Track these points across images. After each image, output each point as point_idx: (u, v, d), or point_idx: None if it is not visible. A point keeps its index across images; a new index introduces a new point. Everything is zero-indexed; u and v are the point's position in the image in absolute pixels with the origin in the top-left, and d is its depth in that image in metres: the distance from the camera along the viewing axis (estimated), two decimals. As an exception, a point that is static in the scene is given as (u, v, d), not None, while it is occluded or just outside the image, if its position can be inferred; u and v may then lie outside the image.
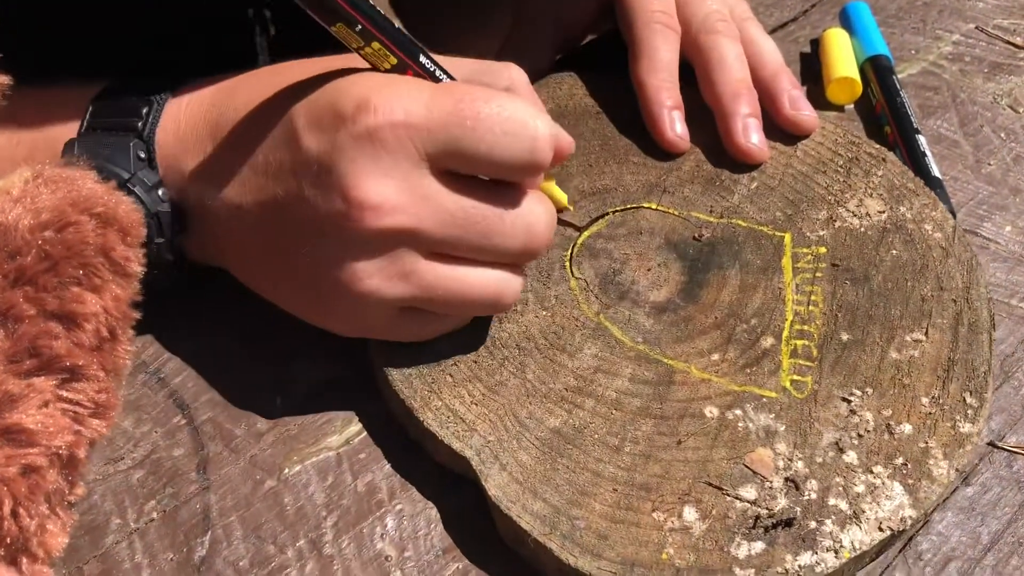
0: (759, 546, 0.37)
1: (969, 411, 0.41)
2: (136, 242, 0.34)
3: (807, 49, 0.63)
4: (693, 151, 0.51)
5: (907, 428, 0.41)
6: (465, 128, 0.37)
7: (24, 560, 0.30)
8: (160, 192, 0.41)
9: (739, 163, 0.51)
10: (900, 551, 0.40)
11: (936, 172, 0.53)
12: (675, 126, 0.51)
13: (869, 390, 0.42)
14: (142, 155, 0.41)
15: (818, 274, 0.46)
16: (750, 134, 0.51)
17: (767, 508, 0.38)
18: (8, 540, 0.29)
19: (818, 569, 0.36)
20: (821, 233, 0.48)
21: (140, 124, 0.41)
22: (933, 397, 0.41)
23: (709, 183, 0.50)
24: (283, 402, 0.44)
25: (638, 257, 0.47)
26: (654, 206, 0.49)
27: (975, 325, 0.44)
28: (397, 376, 0.42)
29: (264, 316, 0.44)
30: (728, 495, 0.38)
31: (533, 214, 0.40)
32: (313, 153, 0.38)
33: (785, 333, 0.44)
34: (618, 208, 0.49)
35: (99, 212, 0.33)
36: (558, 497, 0.38)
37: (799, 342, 0.44)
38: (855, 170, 0.50)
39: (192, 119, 0.41)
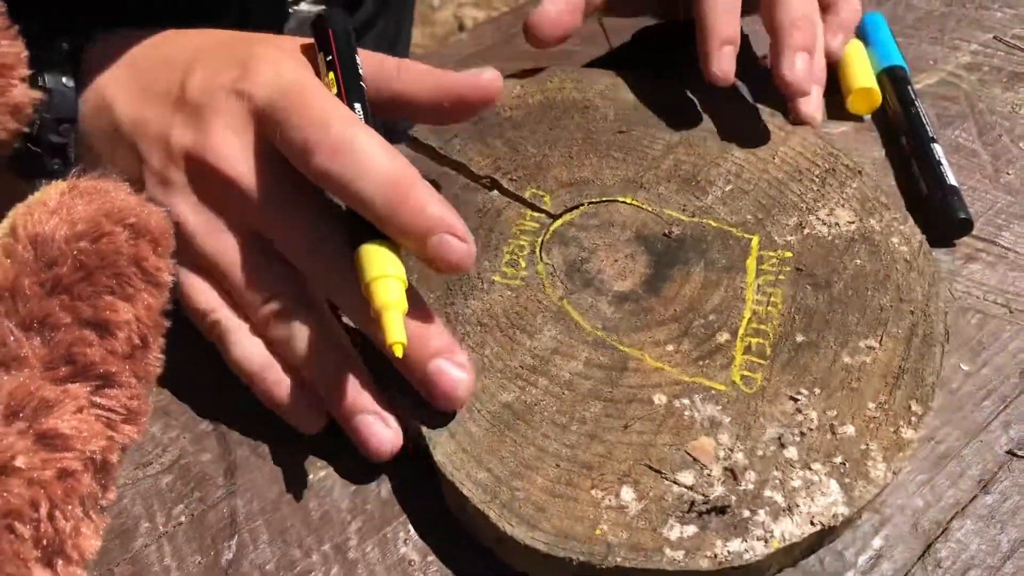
0: (691, 529, 0.38)
1: (913, 418, 0.42)
2: (166, 252, 0.35)
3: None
4: (672, 151, 0.52)
5: (850, 429, 0.41)
6: (292, 112, 0.39)
7: (60, 562, 0.31)
8: (65, 79, 0.42)
9: (716, 165, 0.51)
10: (919, 558, 0.40)
11: (952, 180, 0.52)
12: (722, 59, 0.50)
13: (817, 390, 0.42)
14: (65, 46, 0.43)
15: (781, 277, 0.47)
16: (795, 63, 0.50)
17: (703, 494, 0.39)
18: (45, 542, 0.30)
19: (746, 556, 0.37)
20: (789, 239, 0.48)
21: (68, 42, 0.44)
22: (880, 403, 0.42)
23: (685, 183, 0.51)
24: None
25: (607, 248, 0.48)
26: (629, 200, 0.50)
27: (929, 337, 0.44)
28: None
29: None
30: (667, 479, 0.39)
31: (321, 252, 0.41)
32: (194, 93, 0.41)
33: (741, 330, 0.44)
34: (593, 200, 0.50)
35: (132, 223, 0.34)
36: (502, 468, 0.39)
37: (754, 340, 0.44)
38: (830, 180, 0.51)
39: (121, 44, 0.44)
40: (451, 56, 0.66)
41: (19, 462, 0.29)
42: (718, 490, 0.39)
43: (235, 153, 0.40)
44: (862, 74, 0.58)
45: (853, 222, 0.49)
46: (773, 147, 0.52)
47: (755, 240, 0.48)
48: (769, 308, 0.45)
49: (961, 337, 0.47)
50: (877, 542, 0.40)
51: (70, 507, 0.31)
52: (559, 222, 0.48)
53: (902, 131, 0.55)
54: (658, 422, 0.41)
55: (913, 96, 0.56)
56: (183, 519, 0.40)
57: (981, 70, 0.62)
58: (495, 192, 0.50)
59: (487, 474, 0.39)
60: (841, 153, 0.52)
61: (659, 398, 0.42)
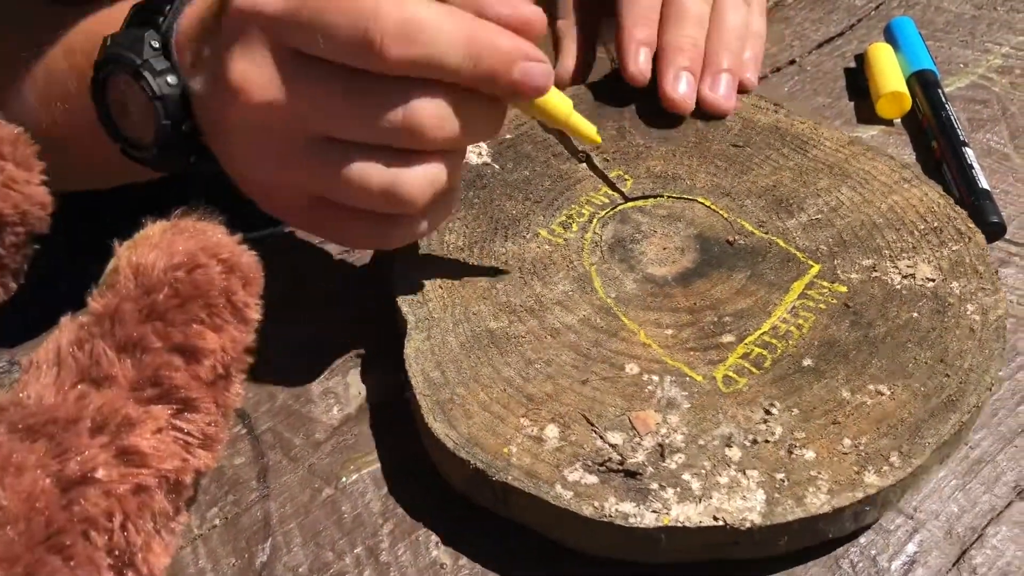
0: (592, 479, 0.38)
1: (885, 467, 0.38)
2: (255, 292, 0.38)
3: (852, 64, 0.64)
4: (778, 173, 0.52)
5: (809, 454, 0.39)
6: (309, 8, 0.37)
7: (130, 573, 0.33)
8: (169, 78, 0.42)
9: (816, 196, 0.50)
10: (954, 564, 0.39)
11: (984, 184, 0.52)
12: (638, 58, 0.53)
13: (796, 411, 0.41)
14: (155, 44, 0.43)
15: (822, 306, 0.45)
16: (679, 84, 0.53)
17: (621, 455, 0.39)
18: (117, 552, 0.32)
19: (631, 520, 0.37)
20: (852, 276, 0.46)
21: (161, 19, 0.43)
22: (857, 442, 0.39)
23: (775, 202, 0.50)
24: (340, 412, 0.45)
25: (662, 236, 0.49)
26: (708, 203, 0.50)
27: (953, 403, 0.40)
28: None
29: (321, 328, 0.48)
30: (596, 432, 0.40)
31: (413, 106, 0.38)
32: (222, 36, 0.40)
33: (750, 338, 0.44)
34: (673, 195, 0.51)
35: (225, 258, 0.37)
36: (455, 375, 0.42)
37: (758, 350, 0.43)
38: (931, 237, 0.48)
39: (203, 8, 0.43)
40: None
41: (99, 474, 0.31)
42: (639, 458, 0.39)
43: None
44: (891, 78, 0.58)
45: (933, 279, 0.45)
46: (886, 194, 0.50)
47: (815, 268, 0.46)
48: (792, 328, 0.44)
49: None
50: (911, 548, 0.39)
51: (143, 521, 0.32)
52: (629, 204, 0.50)
53: (933, 135, 0.56)
54: (618, 386, 0.42)
55: (943, 100, 0.57)
56: (217, 522, 0.41)
57: (1013, 73, 0.61)
58: (583, 165, 0.52)
59: (439, 374, 0.42)
60: (959, 217, 0.48)
61: (631, 368, 0.42)
